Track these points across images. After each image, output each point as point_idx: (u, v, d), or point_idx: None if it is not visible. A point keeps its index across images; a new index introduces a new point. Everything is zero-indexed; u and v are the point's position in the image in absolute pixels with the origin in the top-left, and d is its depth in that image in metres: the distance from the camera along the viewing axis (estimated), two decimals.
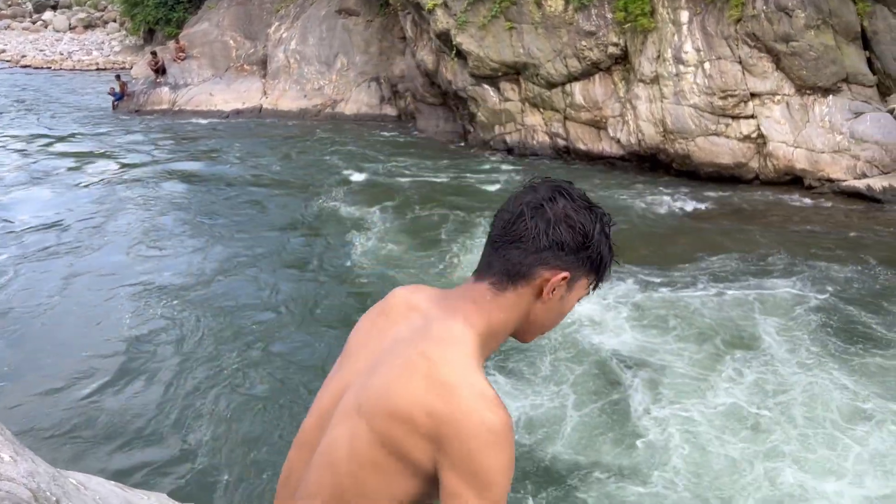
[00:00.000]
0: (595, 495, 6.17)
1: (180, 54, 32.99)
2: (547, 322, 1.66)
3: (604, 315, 9.69)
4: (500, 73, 22.06)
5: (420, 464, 1.47)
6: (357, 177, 19.18)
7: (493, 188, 17.92)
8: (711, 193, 16.88)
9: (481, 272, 1.66)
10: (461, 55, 22.72)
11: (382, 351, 1.62)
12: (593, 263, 1.62)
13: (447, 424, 1.41)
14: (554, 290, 1.60)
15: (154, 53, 32.97)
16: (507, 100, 22.40)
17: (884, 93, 17.31)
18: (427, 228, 14.23)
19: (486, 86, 22.68)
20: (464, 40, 21.98)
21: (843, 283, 10.84)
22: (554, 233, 1.56)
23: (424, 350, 1.53)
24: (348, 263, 12.15)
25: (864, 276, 11.13)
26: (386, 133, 27.05)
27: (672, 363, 8.42)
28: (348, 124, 30.00)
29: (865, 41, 17.65)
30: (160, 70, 32.27)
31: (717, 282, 10.91)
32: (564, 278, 1.59)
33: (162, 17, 38.47)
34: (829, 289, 10.55)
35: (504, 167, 20.48)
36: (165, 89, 32.04)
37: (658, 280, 11.04)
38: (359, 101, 31.97)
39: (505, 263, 1.59)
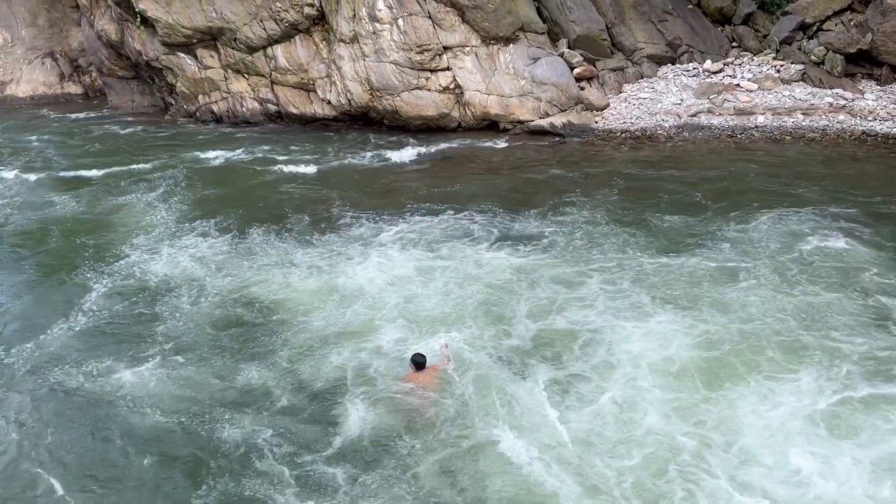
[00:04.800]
0: None
1: None
2: None
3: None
4: (194, 40, 20.78)
5: None
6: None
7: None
8: (423, 144, 17.79)
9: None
10: (148, 23, 20.95)
11: None
12: None
13: None
14: None
15: None
16: (207, 67, 21.24)
17: (554, 39, 19.46)
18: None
19: (181, 54, 21.26)
20: (148, 6, 20.28)
21: (539, 204, 12.29)
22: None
23: None
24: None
25: (555, 195, 12.72)
26: (72, 116, 24.19)
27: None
28: (26, 108, 26.32)
29: None
30: None
31: (438, 215, 11.72)
32: None
33: None
34: (532, 212, 11.91)
35: (223, 137, 19.52)
36: None
37: (400, 222, 11.54)
38: (33, 80, 28.17)
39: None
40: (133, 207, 13.77)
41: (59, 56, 28.81)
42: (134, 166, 16.84)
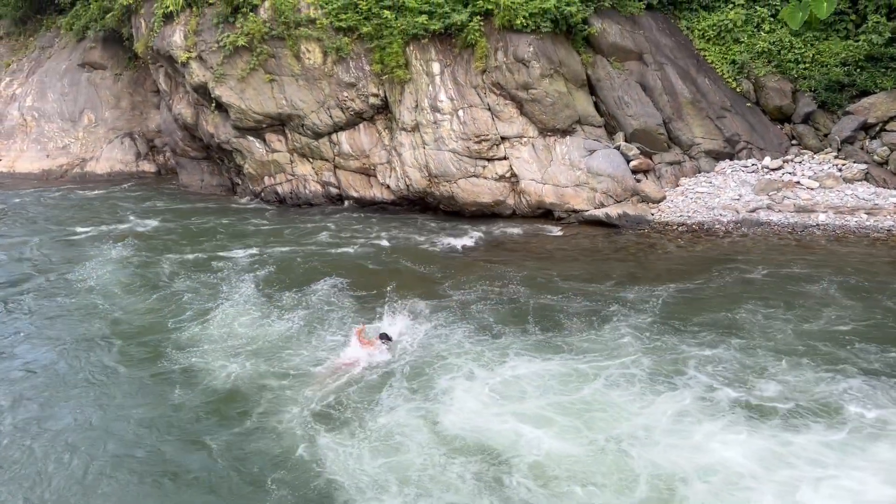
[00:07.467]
0: None
1: None
2: None
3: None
4: (264, 125, 21.83)
5: None
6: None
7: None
8: (477, 230, 18.01)
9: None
10: (222, 108, 22.14)
11: None
12: None
13: None
14: None
15: None
16: (274, 151, 22.19)
17: (610, 132, 19.78)
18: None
19: (251, 137, 22.31)
20: (223, 93, 21.48)
21: (589, 293, 12.16)
22: None
23: None
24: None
25: (605, 284, 12.60)
26: (135, 193, 25.46)
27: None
28: (100, 184, 27.82)
29: (591, 87, 20.12)
30: None
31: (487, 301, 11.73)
32: None
33: None
34: (581, 300, 11.78)
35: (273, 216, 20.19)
36: None
37: (440, 310, 11.58)
38: (112, 158, 29.78)
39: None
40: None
41: (136, 136, 30.50)
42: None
